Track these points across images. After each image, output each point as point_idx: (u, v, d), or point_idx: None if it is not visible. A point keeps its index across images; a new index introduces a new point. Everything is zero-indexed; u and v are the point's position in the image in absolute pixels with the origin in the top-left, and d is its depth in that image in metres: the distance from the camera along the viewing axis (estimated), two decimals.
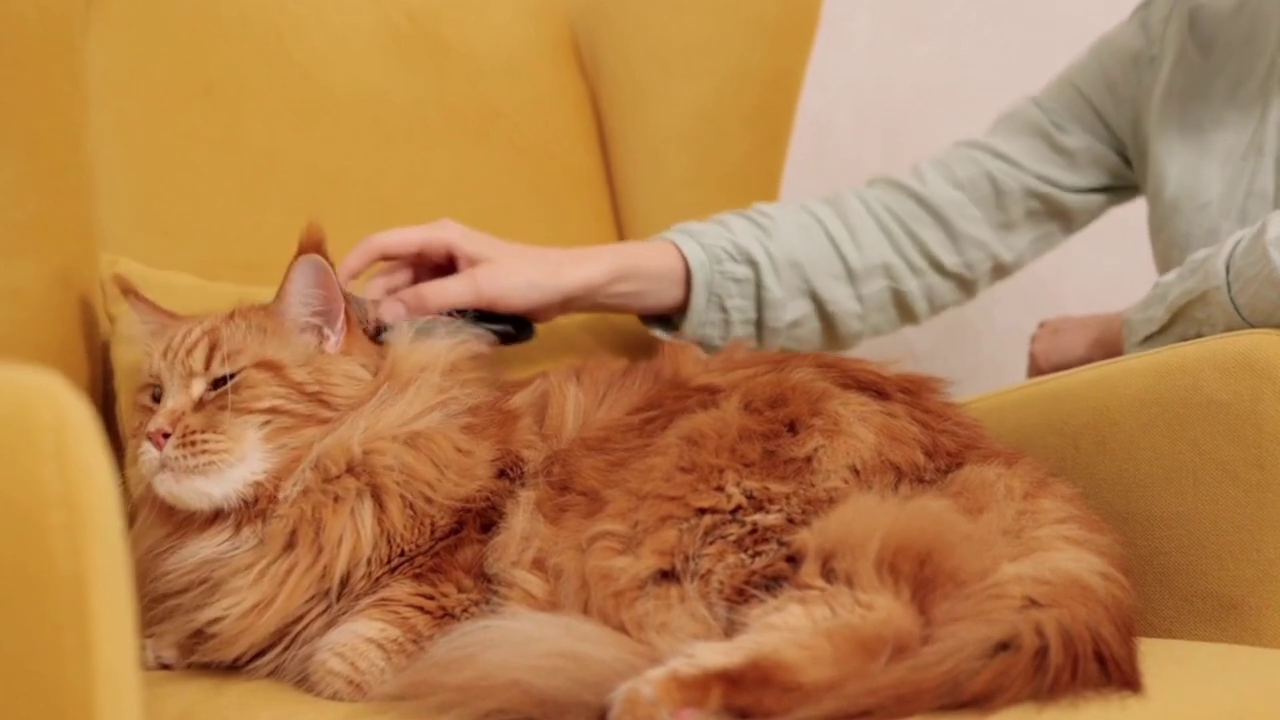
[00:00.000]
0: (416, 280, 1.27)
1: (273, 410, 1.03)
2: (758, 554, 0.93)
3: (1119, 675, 0.87)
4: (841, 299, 1.43)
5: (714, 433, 1.00)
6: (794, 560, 0.92)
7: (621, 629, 0.93)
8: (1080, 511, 1.00)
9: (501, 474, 1.06)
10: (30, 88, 1.23)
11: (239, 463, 1.02)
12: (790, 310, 1.41)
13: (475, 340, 1.15)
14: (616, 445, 1.04)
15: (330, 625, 1.01)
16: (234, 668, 1.04)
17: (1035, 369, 1.61)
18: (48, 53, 1.27)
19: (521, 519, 1.03)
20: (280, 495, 1.02)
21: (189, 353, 1.05)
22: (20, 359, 0.74)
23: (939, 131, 2.08)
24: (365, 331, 1.15)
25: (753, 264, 1.38)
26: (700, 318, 1.38)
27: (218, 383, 1.04)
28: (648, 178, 1.60)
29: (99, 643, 0.64)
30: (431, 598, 1.00)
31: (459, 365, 1.10)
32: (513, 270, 1.25)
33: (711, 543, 0.94)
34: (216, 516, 1.03)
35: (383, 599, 1.01)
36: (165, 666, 1.10)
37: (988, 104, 1.78)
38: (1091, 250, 2.01)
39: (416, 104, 1.55)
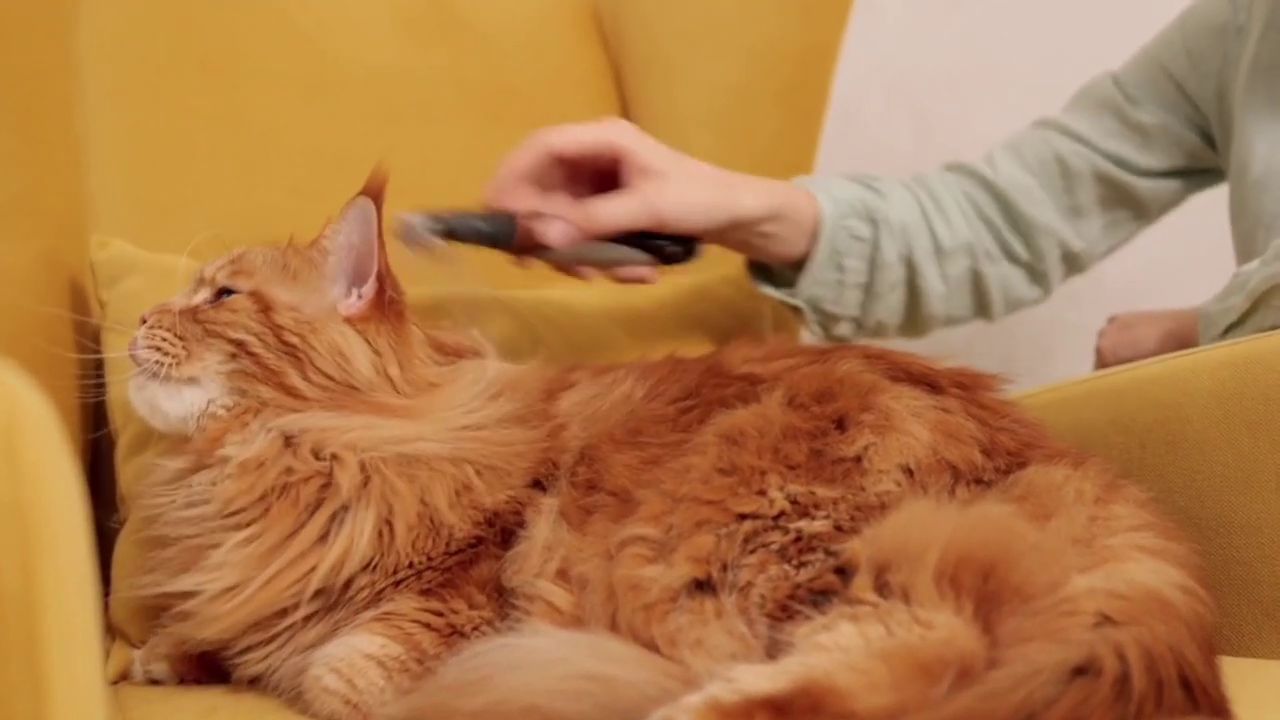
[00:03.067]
0: (570, 185, 1.17)
1: (240, 346, 0.99)
2: (803, 565, 0.85)
3: (1206, 702, 0.79)
4: (930, 275, 1.35)
5: (755, 431, 0.92)
6: (844, 572, 0.84)
7: (652, 645, 0.85)
8: (1156, 518, 0.91)
9: (535, 483, 0.99)
10: (16, 57, 1.17)
11: (192, 384, 0.99)
12: (894, 273, 1.34)
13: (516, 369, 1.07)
14: (650, 440, 0.97)
15: (329, 636, 0.94)
16: (226, 658, 0.98)
17: (1101, 364, 1.53)
18: (35, 19, 1.21)
19: (544, 527, 0.95)
20: (226, 448, 0.96)
21: (217, 262, 1.04)
22: (1, 347, 0.67)
23: (973, 114, 2.01)
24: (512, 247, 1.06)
25: (874, 223, 1.31)
26: (818, 275, 1.29)
27: (221, 295, 1.02)
28: None
29: (53, 670, 0.55)
30: (440, 614, 0.93)
31: (483, 423, 1.01)
32: (688, 189, 1.15)
33: (752, 551, 0.86)
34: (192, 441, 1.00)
35: (386, 613, 0.93)
36: (155, 682, 1.04)
37: (1025, 85, 1.71)
38: (1135, 240, 1.92)
39: (429, 80, 1.49)
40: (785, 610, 0.83)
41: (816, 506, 0.87)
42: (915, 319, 1.39)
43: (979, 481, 0.93)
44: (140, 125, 1.33)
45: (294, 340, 0.99)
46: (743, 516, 0.88)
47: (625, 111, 1.59)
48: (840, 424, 0.93)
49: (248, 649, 0.95)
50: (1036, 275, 1.41)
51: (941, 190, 1.38)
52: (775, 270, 1.33)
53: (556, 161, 1.15)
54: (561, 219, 1.11)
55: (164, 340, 0.99)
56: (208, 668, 1.02)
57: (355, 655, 0.91)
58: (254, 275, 1.02)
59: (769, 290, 1.32)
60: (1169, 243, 1.95)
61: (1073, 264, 1.43)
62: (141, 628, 1.08)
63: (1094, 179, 1.39)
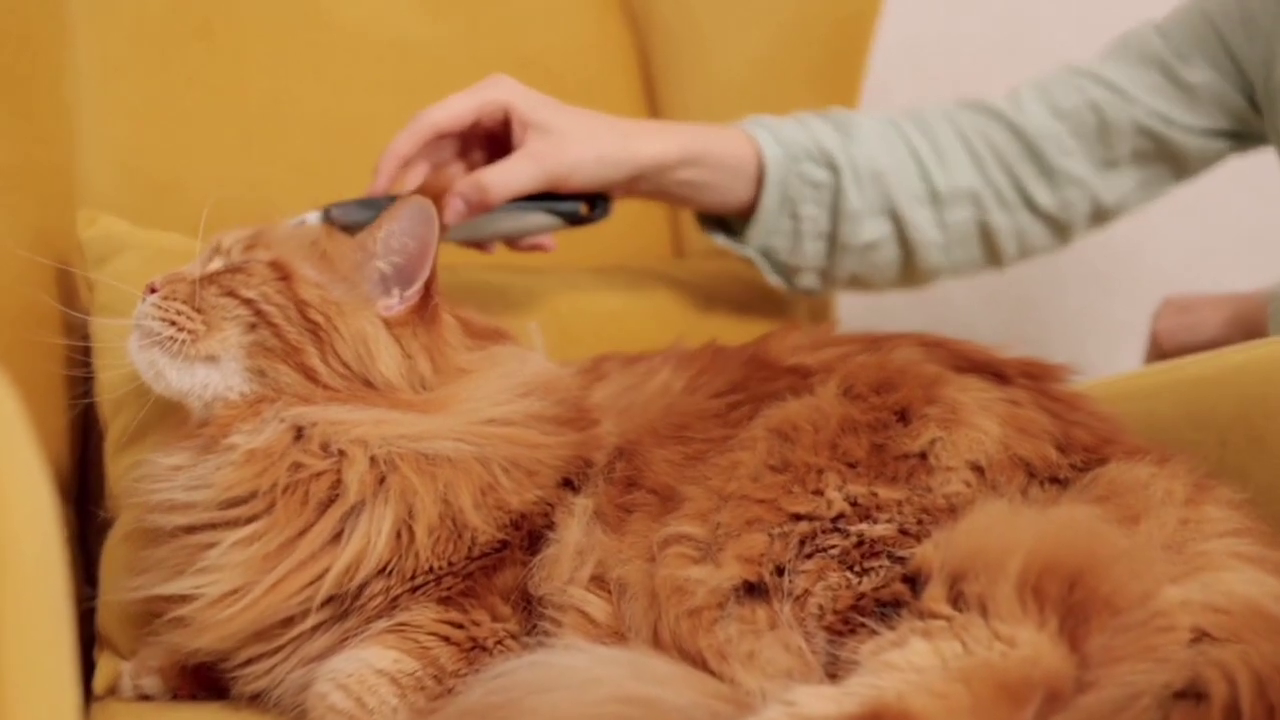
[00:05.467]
0: (463, 155, 1.14)
1: (258, 311, 0.92)
2: (866, 571, 0.78)
3: None
4: (923, 224, 1.27)
5: (810, 425, 0.85)
6: (913, 581, 0.77)
7: (699, 660, 0.79)
8: (1251, 522, 0.84)
9: (566, 483, 0.92)
10: (3, 21, 1.11)
11: (210, 362, 0.92)
12: (868, 228, 1.25)
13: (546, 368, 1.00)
14: (695, 435, 0.90)
15: (337, 647, 0.87)
16: (224, 671, 0.91)
17: (1157, 350, 1.45)
18: None
19: (575, 530, 0.88)
20: (233, 436, 0.89)
21: (235, 233, 0.99)
22: None
23: None
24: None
25: (833, 168, 1.23)
26: (769, 224, 1.22)
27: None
28: None
29: (11, 698, 0.46)
30: (460, 626, 0.86)
31: (510, 419, 0.94)
32: (580, 142, 1.10)
33: (809, 556, 0.79)
34: (199, 427, 0.93)
35: (400, 624, 0.86)
36: (146, 697, 0.97)
37: (1061, 62, 1.63)
38: (1170, 225, 1.87)
39: (442, 50, 1.43)
40: (847, 623, 0.77)
41: (879, 508, 0.81)
42: (913, 270, 1.31)
43: (1054, 480, 0.86)
44: (135, 95, 1.27)
45: (318, 319, 0.92)
46: (797, 517, 0.81)
47: (651, 83, 1.52)
48: (903, 417, 0.86)
49: (248, 661, 0.88)
50: (1059, 227, 1.33)
51: (943, 130, 1.30)
52: (730, 220, 1.25)
53: (443, 137, 1.11)
54: (450, 194, 1.07)
55: (179, 314, 0.92)
56: (203, 682, 0.95)
57: (366, 670, 0.84)
58: (273, 248, 0.96)
59: (720, 239, 1.26)
60: (1205, 231, 1.89)
61: (1100, 217, 1.35)
62: (131, 637, 1.01)
63: (1134, 132, 1.30)
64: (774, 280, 1.26)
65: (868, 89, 1.64)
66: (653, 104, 1.51)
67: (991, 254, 1.32)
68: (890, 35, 1.79)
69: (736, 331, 1.29)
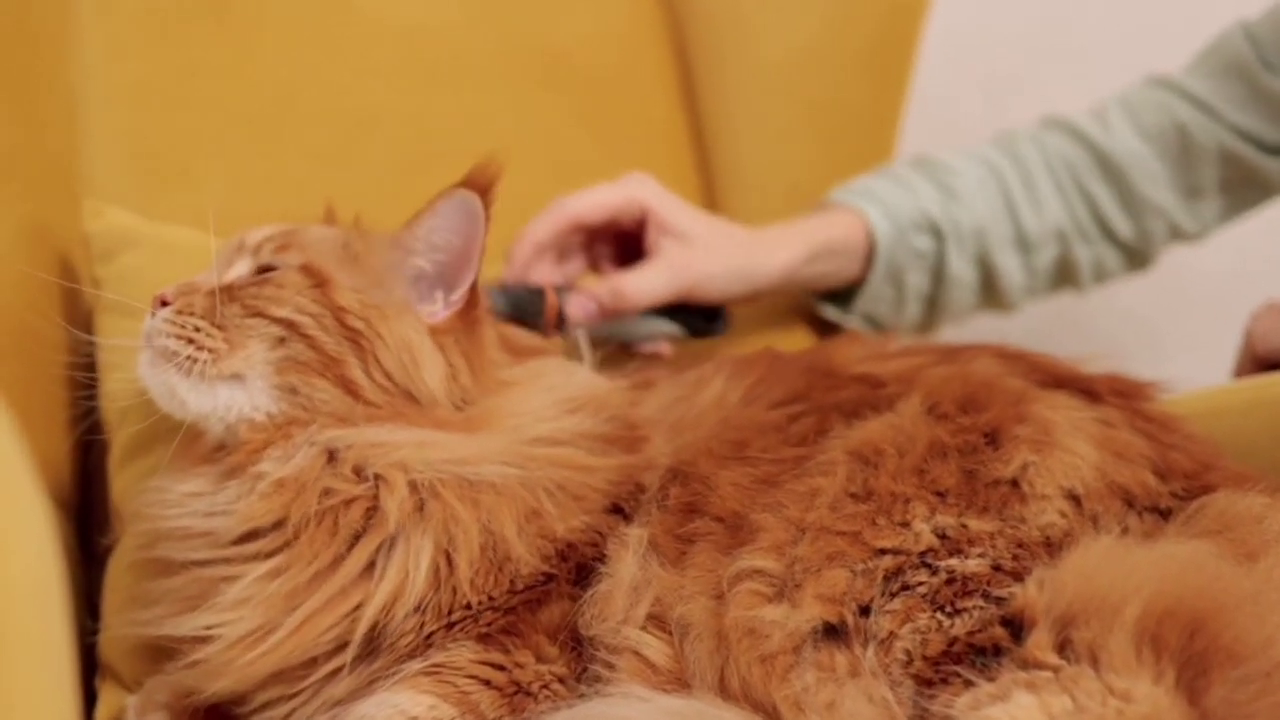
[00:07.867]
0: (588, 246, 1.13)
1: (290, 326, 0.84)
2: (958, 612, 0.70)
3: None
4: (1012, 269, 1.25)
5: (894, 448, 0.78)
6: (1014, 625, 0.69)
7: (773, 711, 0.72)
8: None
9: (615, 508, 0.84)
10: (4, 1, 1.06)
11: (234, 381, 0.84)
12: (963, 283, 1.25)
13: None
14: (760, 454, 0.82)
15: (364, 690, 0.79)
16: (239, 714, 0.83)
17: (1250, 352, 1.38)
18: None
19: (629, 563, 0.80)
20: (262, 463, 0.82)
21: (262, 231, 0.91)
22: None
23: (1050, 90, 1.87)
24: (540, 324, 1.00)
25: (938, 236, 1.22)
26: (875, 293, 1.22)
27: (262, 273, 0.88)
28: (744, 128, 1.41)
29: None
30: (502, 668, 0.78)
31: (558, 438, 0.88)
32: (713, 255, 1.10)
33: (894, 595, 0.72)
34: (218, 450, 0.86)
35: (436, 665, 0.78)
36: None
37: (1105, 58, 1.63)
38: (1221, 235, 1.80)
39: (467, 38, 1.37)
40: (938, 672, 0.69)
41: (970, 542, 0.73)
42: (989, 306, 1.31)
43: (1155, 509, 0.79)
44: (143, 80, 1.21)
45: (358, 325, 0.84)
46: (882, 552, 0.73)
47: (686, 72, 1.45)
48: (992, 439, 0.79)
49: (266, 705, 0.81)
50: (1135, 256, 1.31)
51: (1034, 161, 1.27)
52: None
53: (578, 228, 1.11)
54: (586, 295, 1.07)
55: (197, 330, 0.85)
56: None
57: (398, 717, 0.76)
58: (306, 250, 0.88)
59: (829, 311, 1.25)
60: (1254, 235, 1.81)
61: (1179, 240, 1.32)
62: (137, 667, 0.94)
63: (1220, 159, 1.25)
64: (859, 325, 1.26)
65: None
66: (688, 94, 1.45)
67: (1068, 283, 1.31)
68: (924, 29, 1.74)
69: (775, 336, 1.24)
